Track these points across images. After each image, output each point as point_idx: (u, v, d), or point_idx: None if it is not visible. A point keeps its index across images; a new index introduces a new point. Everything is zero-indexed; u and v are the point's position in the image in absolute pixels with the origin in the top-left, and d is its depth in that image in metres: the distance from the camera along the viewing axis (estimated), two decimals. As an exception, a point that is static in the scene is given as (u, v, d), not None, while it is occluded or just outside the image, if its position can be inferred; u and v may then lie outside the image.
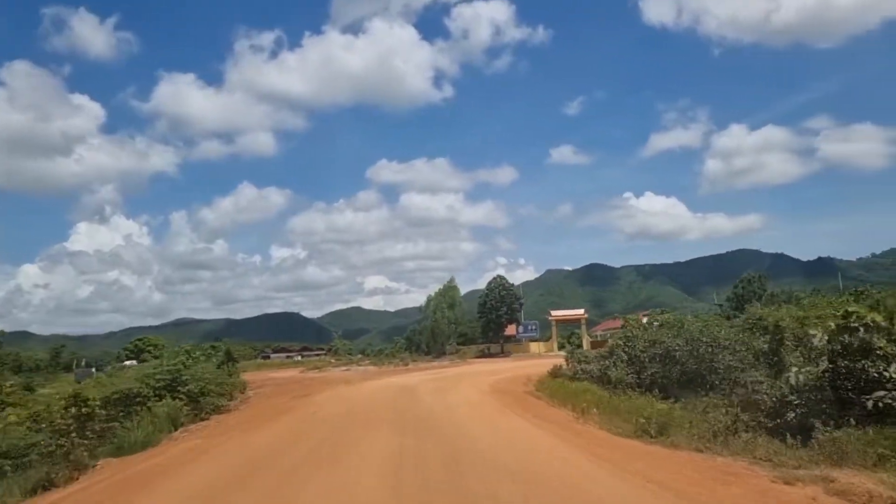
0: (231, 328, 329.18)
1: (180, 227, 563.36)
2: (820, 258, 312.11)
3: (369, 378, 37.71)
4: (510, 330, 71.20)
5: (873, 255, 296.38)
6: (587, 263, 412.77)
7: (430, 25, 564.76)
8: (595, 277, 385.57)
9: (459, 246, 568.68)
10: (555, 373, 28.23)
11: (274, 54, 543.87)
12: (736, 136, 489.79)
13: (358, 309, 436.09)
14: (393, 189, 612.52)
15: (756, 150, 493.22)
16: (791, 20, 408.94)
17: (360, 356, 77.39)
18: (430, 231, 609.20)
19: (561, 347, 72.26)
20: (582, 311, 71.04)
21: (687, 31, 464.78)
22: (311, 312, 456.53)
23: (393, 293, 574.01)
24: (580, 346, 71.43)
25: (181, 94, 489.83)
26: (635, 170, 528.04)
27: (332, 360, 74.59)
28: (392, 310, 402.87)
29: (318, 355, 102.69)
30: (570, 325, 75.19)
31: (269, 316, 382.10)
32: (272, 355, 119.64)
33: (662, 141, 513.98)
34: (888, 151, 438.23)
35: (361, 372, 46.35)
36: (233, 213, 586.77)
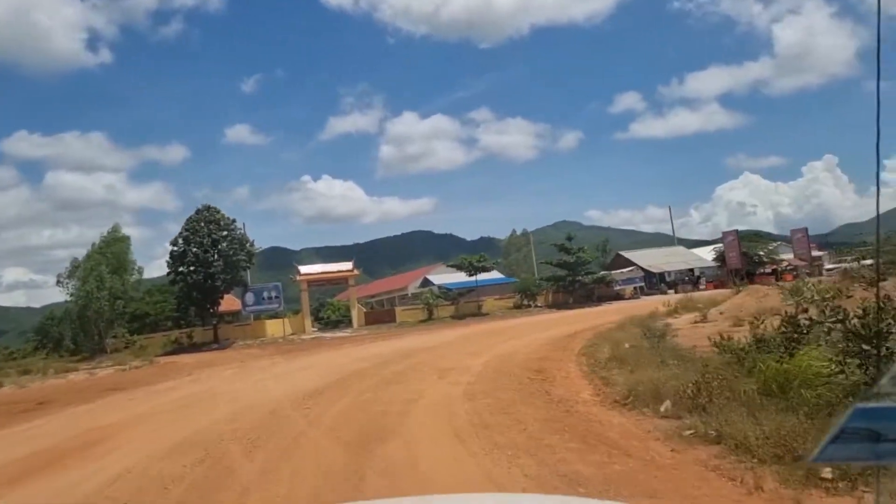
0: None
1: None
2: (482, 237, 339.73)
3: None
4: (229, 303, 41.85)
5: (524, 234, 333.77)
6: (266, 247, 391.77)
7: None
8: (275, 261, 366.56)
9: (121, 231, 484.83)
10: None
11: None
12: (409, 123, 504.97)
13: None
14: (36, 166, 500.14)
15: (426, 137, 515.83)
16: (458, 16, 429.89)
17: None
18: (85, 215, 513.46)
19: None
20: (349, 265, 44.48)
21: (365, 16, 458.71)
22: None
23: (38, 287, 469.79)
24: (341, 321, 45.53)
25: None
26: (314, 153, 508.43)
27: None
28: (37, 306, 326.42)
29: None
30: (327, 287, 48.40)
31: None
32: None
33: (341, 124, 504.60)
34: (536, 144, 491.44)
35: None
36: None
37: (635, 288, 47.84)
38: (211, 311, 39.94)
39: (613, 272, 48.33)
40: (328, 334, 40.02)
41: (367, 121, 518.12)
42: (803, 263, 49.27)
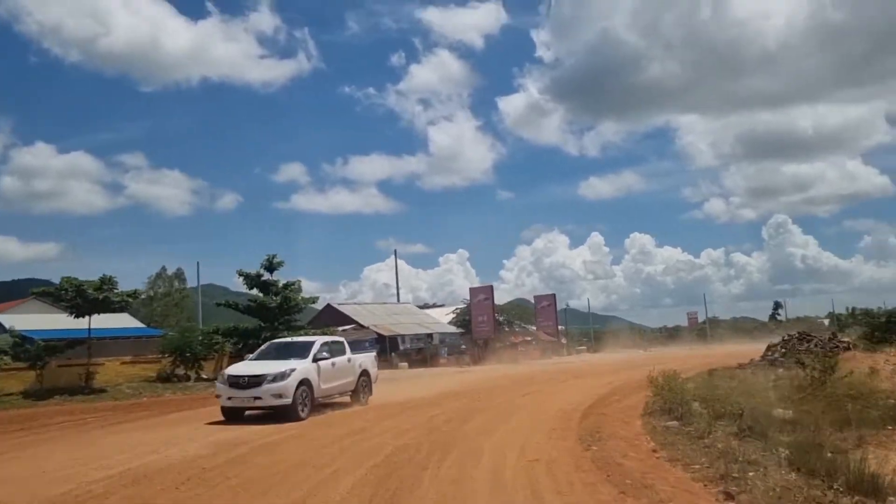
0: None
1: None
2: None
3: None
4: None
5: (178, 273, 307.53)
6: None
7: None
8: None
9: None
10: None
11: None
12: (42, 155, 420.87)
13: None
14: None
15: (62, 175, 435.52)
16: (119, 50, 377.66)
17: None
18: None
19: None
20: None
21: (2, 27, 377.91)
22: None
23: None
24: None
25: None
26: None
27: None
28: None
29: None
30: None
31: None
32: None
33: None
34: (191, 200, 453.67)
35: None
36: None
37: (360, 357, 31.90)
38: None
39: (335, 330, 31.55)
40: None
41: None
42: (549, 337, 39.37)
